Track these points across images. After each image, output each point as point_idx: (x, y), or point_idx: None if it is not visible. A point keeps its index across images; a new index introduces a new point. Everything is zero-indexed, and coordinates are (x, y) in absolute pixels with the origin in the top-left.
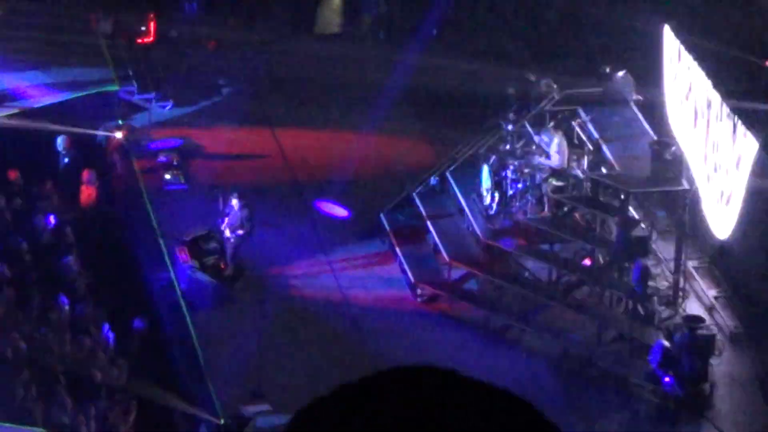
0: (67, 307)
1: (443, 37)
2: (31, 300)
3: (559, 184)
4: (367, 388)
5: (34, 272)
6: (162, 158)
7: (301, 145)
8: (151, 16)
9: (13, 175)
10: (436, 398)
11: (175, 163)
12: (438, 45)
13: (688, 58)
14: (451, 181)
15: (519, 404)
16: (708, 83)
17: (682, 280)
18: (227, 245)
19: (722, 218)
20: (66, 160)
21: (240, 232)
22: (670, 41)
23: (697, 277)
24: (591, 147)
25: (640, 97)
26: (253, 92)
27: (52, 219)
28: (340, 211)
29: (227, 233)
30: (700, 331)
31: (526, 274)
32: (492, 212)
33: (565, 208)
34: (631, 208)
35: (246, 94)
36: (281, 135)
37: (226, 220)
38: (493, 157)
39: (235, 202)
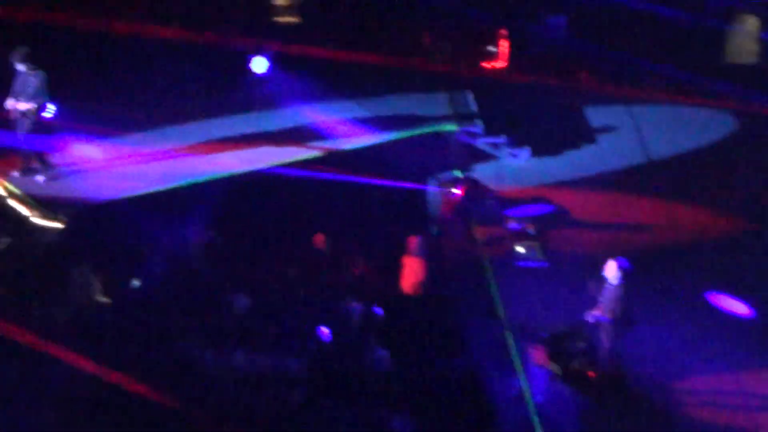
0: None
1: None
2: None
3: None
4: None
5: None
6: (512, 225)
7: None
8: (502, 32)
9: (319, 240)
10: None
11: (530, 232)
12: None
13: None
14: None
15: None
16: None
17: None
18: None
19: None
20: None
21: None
22: None
23: None
24: None
25: None
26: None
27: (357, 305)
28: (740, 308)
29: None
30: None
31: None
32: None
33: None
34: None
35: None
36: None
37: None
38: None
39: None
